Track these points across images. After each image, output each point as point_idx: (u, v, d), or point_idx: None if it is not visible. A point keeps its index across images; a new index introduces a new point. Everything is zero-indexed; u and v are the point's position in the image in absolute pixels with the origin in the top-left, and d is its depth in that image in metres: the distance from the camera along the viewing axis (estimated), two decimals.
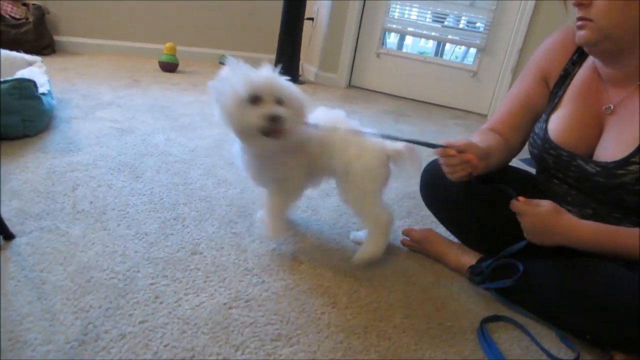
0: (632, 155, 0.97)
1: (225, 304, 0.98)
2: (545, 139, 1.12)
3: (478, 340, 1.00)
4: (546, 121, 1.14)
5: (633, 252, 0.96)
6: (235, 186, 1.55)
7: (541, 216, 1.00)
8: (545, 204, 1.01)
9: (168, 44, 3.07)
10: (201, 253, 1.15)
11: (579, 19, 0.97)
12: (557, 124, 1.12)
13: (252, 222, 1.33)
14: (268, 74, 1.01)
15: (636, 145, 0.97)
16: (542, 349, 1.00)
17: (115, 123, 1.96)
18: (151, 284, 1.00)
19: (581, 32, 0.98)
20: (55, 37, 3.13)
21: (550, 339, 1.04)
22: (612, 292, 0.94)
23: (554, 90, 1.16)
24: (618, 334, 0.95)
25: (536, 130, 1.17)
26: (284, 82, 1.02)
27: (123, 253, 1.10)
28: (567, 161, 1.08)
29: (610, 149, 1.02)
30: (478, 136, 1.23)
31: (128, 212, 1.28)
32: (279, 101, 1.00)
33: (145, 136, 1.86)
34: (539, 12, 3.11)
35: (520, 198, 1.04)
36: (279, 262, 1.16)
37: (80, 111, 2.04)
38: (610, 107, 1.04)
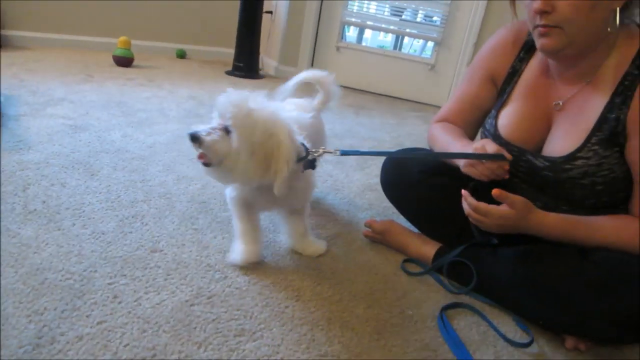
0: (578, 150, 1.01)
1: (187, 301, 0.97)
2: (496, 135, 1.16)
3: (438, 327, 1.02)
4: (496, 117, 1.17)
5: (596, 243, 0.99)
6: (196, 182, 1.52)
7: (510, 219, 1.00)
8: (517, 206, 0.99)
9: (122, 38, 2.98)
10: (161, 250, 1.13)
11: (542, 26, 0.97)
12: (506, 120, 1.15)
13: (214, 217, 1.32)
14: (230, 96, 0.93)
15: (582, 140, 1.01)
16: (499, 333, 1.03)
17: (68, 120, 1.89)
18: (109, 284, 0.98)
19: (545, 40, 0.98)
20: (1, 31, 2.98)
21: (506, 323, 1.08)
22: (565, 281, 0.98)
23: (502, 86, 1.19)
24: (570, 322, 0.99)
25: (487, 126, 1.20)
26: (240, 109, 0.91)
27: (79, 253, 1.06)
28: (517, 156, 1.11)
29: (559, 144, 1.06)
30: (449, 131, 1.25)
31: (83, 211, 1.24)
32: (227, 130, 0.93)
33: (101, 133, 1.81)
34: (492, 8, 3.20)
35: (495, 191, 1.00)
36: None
37: (29, 108, 1.96)
38: (559, 103, 1.08)
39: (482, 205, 1.02)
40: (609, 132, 0.98)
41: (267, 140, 0.93)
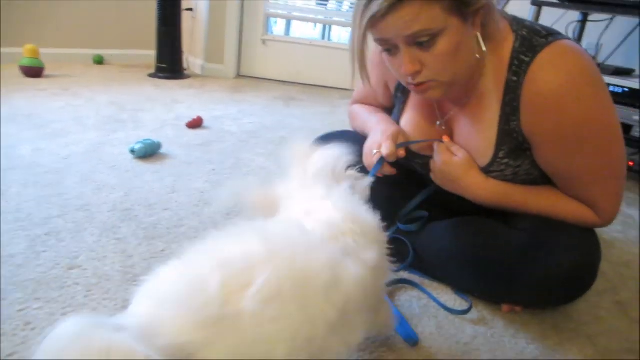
0: (489, 165, 0.97)
1: (110, 316, 0.89)
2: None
3: None
4: (398, 124, 1.13)
5: (529, 210, 0.99)
6: (119, 189, 1.43)
7: (453, 165, 0.99)
8: (460, 156, 0.99)
9: (28, 46, 2.76)
10: (80, 266, 1.04)
11: (417, 85, 0.90)
12: (407, 130, 1.10)
13: (139, 224, 1.24)
14: None
15: (490, 157, 0.97)
16: (439, 303, 1.03)
17: None
18: (20, 311, 0.89)
19: (427, 94, 0.92)
20: None
21: (445, 293, 1.08)
22: (492, 250, 0.98)
23: (396, 94, 1.14)
24: (499, 290, 1.01)
25: None
26: None
27: None
28: (425, 162, 1.09)
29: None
30: (366, 107, 1.25)
31: None
32: None
33: (7, 149, 1.66)
34: None
35: (445, 138, 1.02)
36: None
37: None
38: (438, 123, 1.05)
39: (441, 145, 1.02)
40: (513, 144, 0.94)
41: None
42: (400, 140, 1.04)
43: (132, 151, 1.69)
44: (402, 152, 1.02)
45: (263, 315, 0.53)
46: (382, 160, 1.01)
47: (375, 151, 1.03)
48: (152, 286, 0.58)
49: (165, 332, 0.52)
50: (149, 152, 1.71)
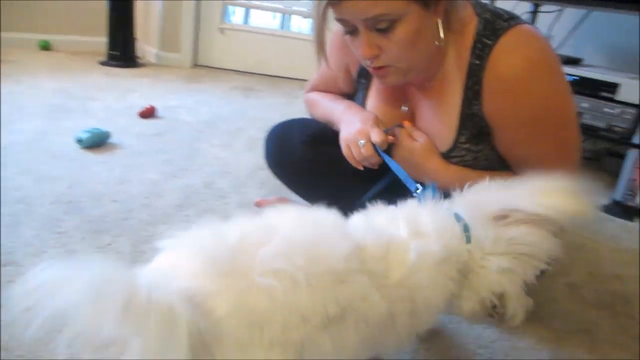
0: (450, 151, 0.96)
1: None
2: None
3: None
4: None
5: None
6: (63, 180, 1.35)
7: (414, 151, 0.98)
8: (422, 140, 0.98)
9: None
10: (15, 263, 0.97)
11: (374, 68, 0.89)
12: None
13: (84, 217, 1.17)
14: None
15: (452, 142, 0.95)
16: None
17: None
18: None
19: (382, 80, 0.93)
20: None
21: None
22: None
23: (359, 80, 1.12)
24: None
25: None
26: None
27: None
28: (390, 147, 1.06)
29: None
30: (327, 94, 1.21)
31: None
32: None
33: None
34: None
35: (407, 123, 1.00)
36: (115, 258, 1.03)
37: None
38: (405, 109, 1.03)
39: (401, 131, 1.00)
40: (474, 128, 0.93)
41: None
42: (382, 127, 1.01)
43: (79, 140, 1.60)
44: (391, 138, 0.99)
45: (269, 271, 0.53)
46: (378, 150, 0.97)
47: (362, 141, 0.98)
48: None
49: (179, 276, 0.52)
50: (97, 142, 1.63)
